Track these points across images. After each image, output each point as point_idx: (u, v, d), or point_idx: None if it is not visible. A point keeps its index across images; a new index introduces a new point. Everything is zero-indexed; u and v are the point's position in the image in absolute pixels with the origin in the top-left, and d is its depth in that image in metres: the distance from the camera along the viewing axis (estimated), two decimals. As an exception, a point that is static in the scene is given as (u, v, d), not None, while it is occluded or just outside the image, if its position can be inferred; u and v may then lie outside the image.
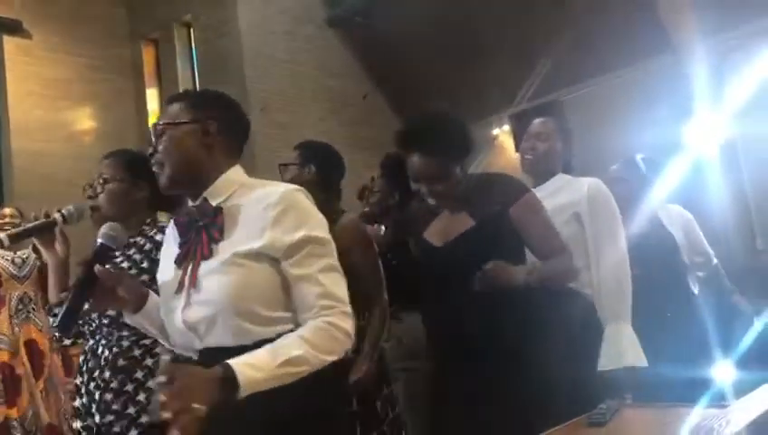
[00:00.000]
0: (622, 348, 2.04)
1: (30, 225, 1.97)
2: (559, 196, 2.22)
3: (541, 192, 2.16)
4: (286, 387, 1.26)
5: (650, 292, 2.19)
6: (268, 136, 6.55)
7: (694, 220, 3.21)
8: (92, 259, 1.40)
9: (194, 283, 1.38)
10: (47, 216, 1.97)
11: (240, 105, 1.57)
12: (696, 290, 3.07)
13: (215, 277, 1.36)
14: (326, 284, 1.34)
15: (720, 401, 1.57)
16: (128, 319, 1.54)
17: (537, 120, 2.40)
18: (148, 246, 1.93)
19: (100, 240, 1.44)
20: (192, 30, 7.57)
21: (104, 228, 1.46)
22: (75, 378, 2.03)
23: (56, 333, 1.67)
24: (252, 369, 1.22)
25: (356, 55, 7.69)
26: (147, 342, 1.90)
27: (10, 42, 6.74)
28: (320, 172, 2.38)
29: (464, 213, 1.94)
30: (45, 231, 1.98)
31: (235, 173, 1.47)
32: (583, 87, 6.45)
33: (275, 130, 6.67)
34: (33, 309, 3.26)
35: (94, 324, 1.95)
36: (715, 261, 3.23)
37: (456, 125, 1.98)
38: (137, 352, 1.92)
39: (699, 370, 2.26)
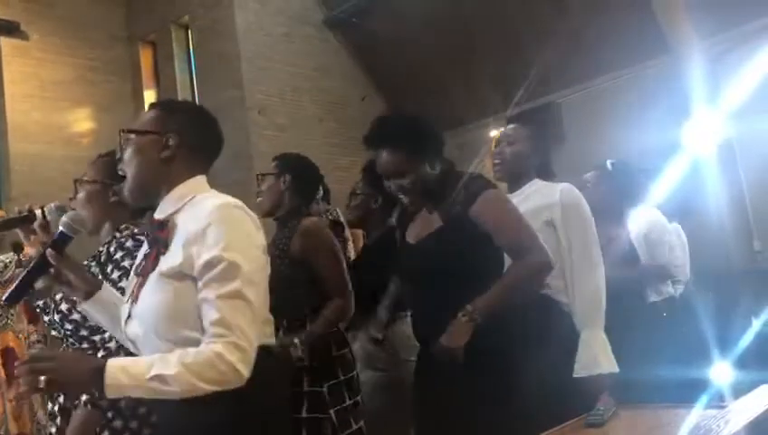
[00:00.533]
0: (595, 355, 2.05)
1: (9, 217, 2.00)
2: (530, 201, 2.21)
3: (514, 198, 2.17)
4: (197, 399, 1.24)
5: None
6: (266, 138, 6.55)
7: (662, 225, 3.22)
8: (50, 244, 1.47)
9: (136, 296, 1.39)
10: (30, 210, 2.01)
11: (215, 120, 1.52)
12: (652, 298, 3.08)
13: (146, 295, 1.36)
14: (224, 310, 1.26)
15: (719, 401, 1.57)
16: (80, 307, 1.58)
17: (508, 126, 2.44)
18: (119, 255, 1.87)
19: (60, 228, 1.49)
20: (190, 32, 7.57)
21: (65, 217, 1.50)
22: None
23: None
24: (122, 373, 1.22)
25: (354, 57, 7.69)
26: (102, 355, 1.81)
27: (7, 43, 6.72)
28: (295, 181, 2.54)
29: (436, 213, 1.99)
30: (24, 225, 2.02)
31: (188, 187, 1.42)
32: (581, 89, 6.46)
33: (273, 132, 6.66)
34: (12, 315, 3.13)
35: (60, 333, 1.92)
36: (673, 271, 3.22)
37: (421, 122, 2.03)
38: None
39: (643, 374, 2.25)
